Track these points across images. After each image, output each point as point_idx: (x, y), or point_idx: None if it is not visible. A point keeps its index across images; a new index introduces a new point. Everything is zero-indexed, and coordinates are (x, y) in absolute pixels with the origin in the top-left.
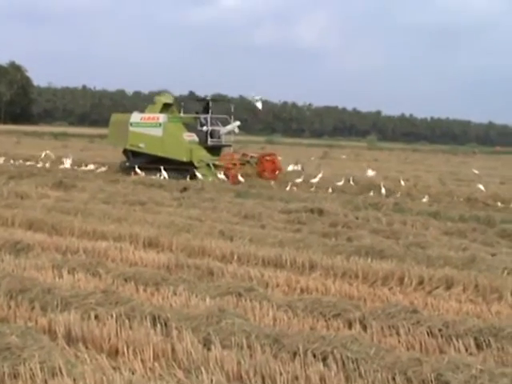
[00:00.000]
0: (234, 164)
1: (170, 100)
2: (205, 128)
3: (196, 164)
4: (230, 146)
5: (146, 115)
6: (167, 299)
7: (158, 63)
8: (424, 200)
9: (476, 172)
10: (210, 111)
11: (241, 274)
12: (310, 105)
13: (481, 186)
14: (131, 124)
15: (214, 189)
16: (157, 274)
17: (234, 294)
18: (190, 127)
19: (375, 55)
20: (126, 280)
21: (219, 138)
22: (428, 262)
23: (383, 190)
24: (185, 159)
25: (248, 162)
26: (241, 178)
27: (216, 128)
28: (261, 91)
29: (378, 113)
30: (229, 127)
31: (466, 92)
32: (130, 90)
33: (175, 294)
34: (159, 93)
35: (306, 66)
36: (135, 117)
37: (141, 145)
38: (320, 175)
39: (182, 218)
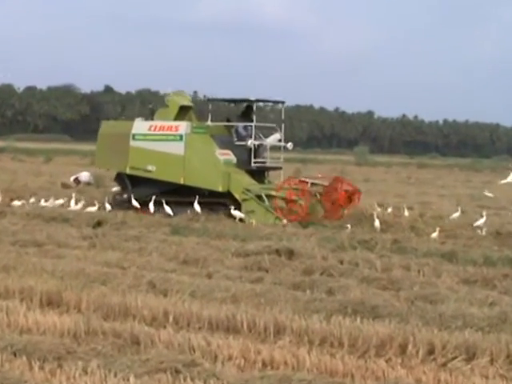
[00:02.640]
0: (297, 195)
1: (187, 102)
2: (249, 142)
3: (238, 196)
4: (280, 168)
5: (156, 123)
6: (74, 380)
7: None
8: (434, 235)
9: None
10: (253, 118)
11: (179, 342)
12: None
13: None
14: (134, 137)
15: (141, 222)
16: (59, 345)
17: (169, 372)
18: (219, 141)
19: (361, 36)
20: (14, 354)
21: (264, 157)
22: (441, 322)
23: (377, 223)
24: (220, 189)
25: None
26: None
27: (262, 143)
28: (200, 86)
29: (370, 114)
30: (269, 140)
31: (492, 86)
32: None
33: (85, 372)
34: (166, 94)
35: (270, 50)
36: (140, 126)
37: (149, 167)
38: None
39: (95, 264)
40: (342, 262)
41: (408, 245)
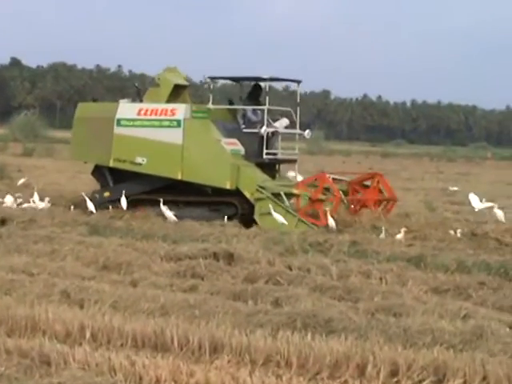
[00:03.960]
0: (322, 193)
1: (182, 80)
2: (262, 130)
3: (249, 195)
4: (295, 161)
5: (147, 106)
6: None
7: None
8: (399, 237)
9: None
10: (267, 100)
11: (97, 362)
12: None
13: (498, 212)
14: (118, 122)
15: (53, 221)
16: None
17: None
18: (222, 128)
19: (316, 8)
20: None
21: (276, 147)
22: (406, 338)
23: (331, 222)
24: (228, 186)
25: (327, 190)
26: (331, 221)
27: (277, 130)
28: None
29: (325, 94)
30: (277, 125)
31: (468, 62)
32: None
33: None
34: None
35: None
36: (126, 109)
37: (138, 160)
38: None
39: None
40: (290, 268)
41: (368, 247)
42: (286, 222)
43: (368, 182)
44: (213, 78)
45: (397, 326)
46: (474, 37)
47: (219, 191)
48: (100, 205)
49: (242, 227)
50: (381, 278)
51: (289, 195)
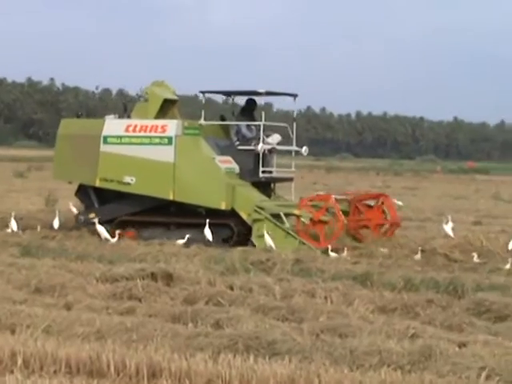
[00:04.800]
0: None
1: (171, 94)
2: (259, 147)
3: (245, 216)
4: (291, 179)
5: (135, 122)
6: None
7: None
8: (345, 254)
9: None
10: (263, 116)
11: None
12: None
13: (446, 228)
14: (105, 139)
15: None
16: None
17: None
18: (215, 145)
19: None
20: None
21: (272, 164)
22: (352, 360)
23: (269, 240)
24: (223, 206)
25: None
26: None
27: (274, 147)
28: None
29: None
30: (269, 141)
31: (415, 71)
32: None
33: None
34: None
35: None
36: (113, 126)
37: (127, 179)
38: None
39: None
40: (232, 288)
41: (313, 265)
42: (273, 247)
43: (371, 202)
44: (204, 92)
45: (343, 347)
46: (420, 47)
47: (213, 212)
48: (84, 226)
49: (181, 246)
50: (326, 298)
51: (289, 216)
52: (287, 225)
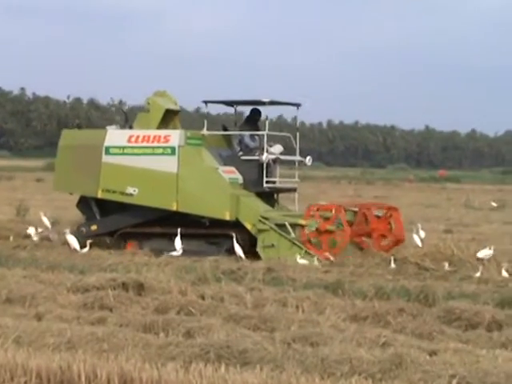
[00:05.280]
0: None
1: (173, 104)
2: (264, 157)
3: (250, 227)
4: (294, 189)
5: (138, 133)
6: None
7: None
8: (316, 263)
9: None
10: (266, 125)
11: None
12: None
13: (415, 237)
14: (107, 150)
15: None
16: None
17: None
18: (217, 155)
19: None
20: None
21: (275, 175)
22: (323, 368)
23: (238, 249)
24: (227, 217)
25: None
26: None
27: (279, 157)
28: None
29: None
30: (272, 151)
31: (386, 80)
32: None
33: None
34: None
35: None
36: (116, 136)
37: (129, 190)
38: None
39: None
40: (203, 297)
41: (284, 274)
42: (264, 254)
43: (379, 213)
44: (207, 102)
45: (314, 355)
46: (391, 57)
47: (217, 223)
48: (86, 238)
49: (152, 256)
50: (297, 306)
51: (294, 226)
52: (293, 235)
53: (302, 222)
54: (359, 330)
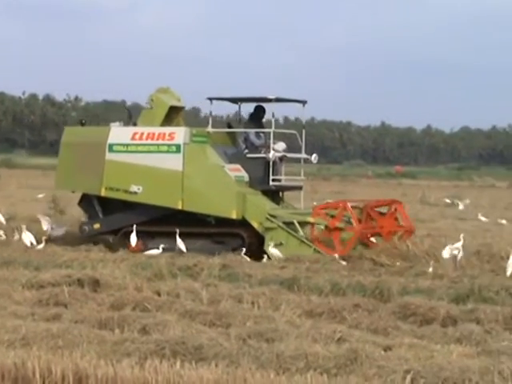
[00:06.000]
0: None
1: (177, 101)
2: (270, 155)
3: (257, 225)
4: (300, 188)
5: (142, 130)
6: None
7: None
8: (265, 260)
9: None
10: (272, 123)
11: None
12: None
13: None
14: (111, 147)
15: None
16: None
17: None
18: (222, 153)
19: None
20: None
21: (281, 172)
22: (278, 364)
23: (181, 244)
24: (234, 216)
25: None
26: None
27: (285, 155)
28: None
29: (196, 111)
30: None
31: (344, 79)
32: None
33: None
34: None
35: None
36: (119, 134)
37: (133, 188)
38: None
39: None
40: (159, 294)
41: (240, 270)
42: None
43: (384, 209)
44: (212, 99)
45: (269, 351)
46: (349, 53)
47: (223, 221)
48: (89, 237)
49: (107, 252)
50: (253, 302)
51: (303, 224)
52: (301, 233)
53: (311, 219)
54: (315, 326)
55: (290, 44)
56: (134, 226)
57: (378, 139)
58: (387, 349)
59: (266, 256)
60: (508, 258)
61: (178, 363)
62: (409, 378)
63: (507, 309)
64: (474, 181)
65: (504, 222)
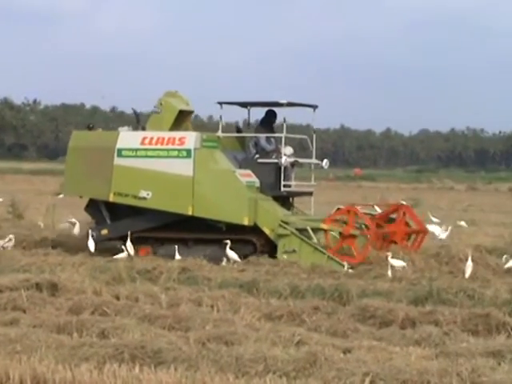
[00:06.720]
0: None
1: (186, 105)
2: (283, 160)
3: (269, 232)
4: (311, 194)
5: (151, 135)
6: None
7: None
8: (224, 264)
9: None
10: (284, 128)
11: None
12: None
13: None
14: (120, 152)
15: None
16: None
17: None
18: (232, 158)
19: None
20: None
21: (291, 178)
22: (238, 367)
23: (129, 248)
24: (246, 222)
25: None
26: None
27: (297, 160)
28: None
29: None
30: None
31: (302, 81)
32: None
33: None
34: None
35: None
36: (128, 138)
37: (143, 194)
38: None
39: None
40: (118, 298)
41: (199, 274)
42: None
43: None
44: (222, 103)
45: (228, 354)
46: (307, 56)
47: (233, 228)
48: (98, 243)
49: (66, 256)
50: (212, 306)
51: (316, 230)
52: (315, 240)
53: (324, 226)
54: (274, 329)
55: (247, 46)
56: (129, 232)
57: (338, 142)
58: (346, 351)
59: (225, 259)
60: (466, 259)
61: (137, 367)
62: (368, 380)
63: (465, 311)
64: (432, 183)
65: (463, 223)
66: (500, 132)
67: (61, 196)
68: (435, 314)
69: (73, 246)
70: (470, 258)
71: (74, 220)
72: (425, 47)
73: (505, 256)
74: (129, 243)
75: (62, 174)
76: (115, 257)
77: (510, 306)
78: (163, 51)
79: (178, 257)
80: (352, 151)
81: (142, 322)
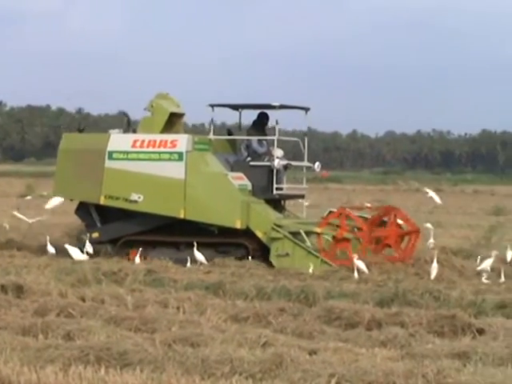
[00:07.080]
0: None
1: (177, 108)
2: (276, 163)
3: (261, 235)
4: (302, 196)
5: (143, 137)
6: None
7: None
8: (189, 265)
9: None
10: (276, 130)
11: None
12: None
13: None
14: (110, 155)
15: None
16: None
17: None
18: (224, 161)
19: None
20: None
21: (283, 181)
22: (203, 369)
23: (361, 264)
24: (238, 225)
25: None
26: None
27: (290, 163)
28: None
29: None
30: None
31: (273, 85)
32: None
33: None
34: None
35: None
36: (119, 141)
37: (134, 197)
38: None
39: None
40: (83, 299)
41: (165, 276)
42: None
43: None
44: (214, 106)
45: (194, 356)
46: (272, 58)
47: (226, 231)
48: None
49: (31, 257)
50: (178, 307)
51: (309, 234)
52: (308, 243)
53: (318, 230)
54: (240, 331)
55: (217, 49)
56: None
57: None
58: (312, 353)
59: (189, 260)
60: (432, 261)
61: (103, 369)
62: (333, 381)
63: (431, 312)
64: (398, 185)
65: (429, 225)
66: (466, 134)
67: (28, 198)
68: (401, 316)
69: (38, 248)
70: (435, 260)
71: (20, 215)
72: (390, 48)
73: (479, 257)
74: (88, 243)
75: (27, 175)
76: (76, 259)
77: (476, 307)
78: (133, 50)
79: (137, 261)
80: (318, 153)
81: (107, 324)
